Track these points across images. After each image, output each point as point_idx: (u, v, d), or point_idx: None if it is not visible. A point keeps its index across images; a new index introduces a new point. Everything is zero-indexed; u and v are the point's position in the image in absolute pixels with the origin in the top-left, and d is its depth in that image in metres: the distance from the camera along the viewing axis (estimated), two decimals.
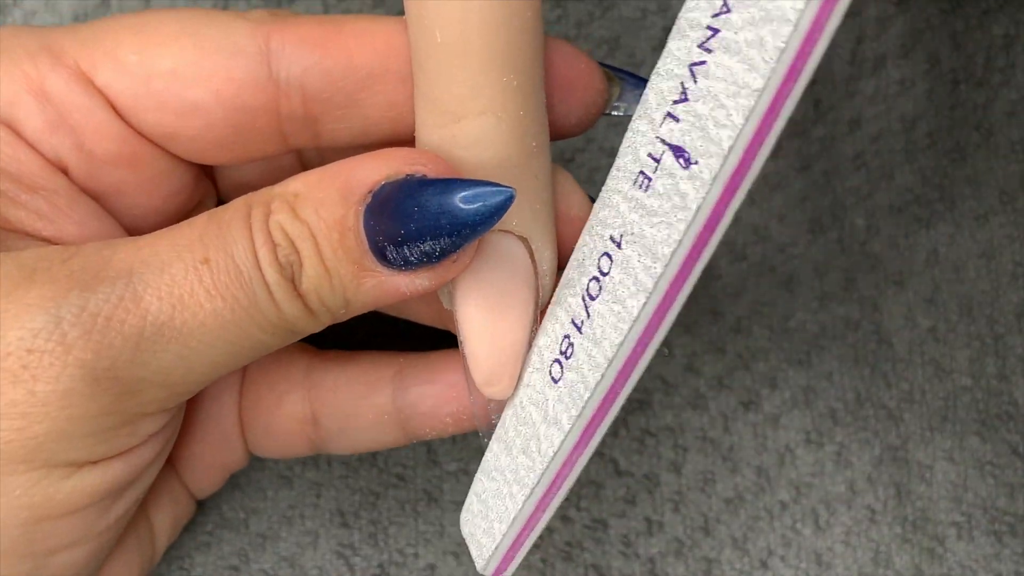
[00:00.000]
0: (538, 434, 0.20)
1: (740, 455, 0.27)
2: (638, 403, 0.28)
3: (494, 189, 0.18)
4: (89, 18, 0.27)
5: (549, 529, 0.27)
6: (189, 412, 0.24)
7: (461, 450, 0.27)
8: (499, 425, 0.22)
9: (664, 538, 0.27)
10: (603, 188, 0.20)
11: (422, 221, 0.18)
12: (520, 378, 0.21)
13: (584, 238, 0.20)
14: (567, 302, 0.20)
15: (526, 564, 0.27)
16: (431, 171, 0.19)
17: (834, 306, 0.28)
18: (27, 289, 0.18)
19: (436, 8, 0.18)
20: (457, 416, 0.23)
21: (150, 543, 0.24)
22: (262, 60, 0.20)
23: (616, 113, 0.22)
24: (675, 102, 0.18)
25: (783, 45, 0.16)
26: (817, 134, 0.28)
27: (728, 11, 0.17)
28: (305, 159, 0.23)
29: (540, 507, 0.20)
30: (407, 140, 0.21)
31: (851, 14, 0.28)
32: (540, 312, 0.21)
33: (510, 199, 0.18)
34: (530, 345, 0.21)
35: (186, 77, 0.20)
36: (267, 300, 0.19)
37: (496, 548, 0.21)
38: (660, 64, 0.19)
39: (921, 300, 0.28)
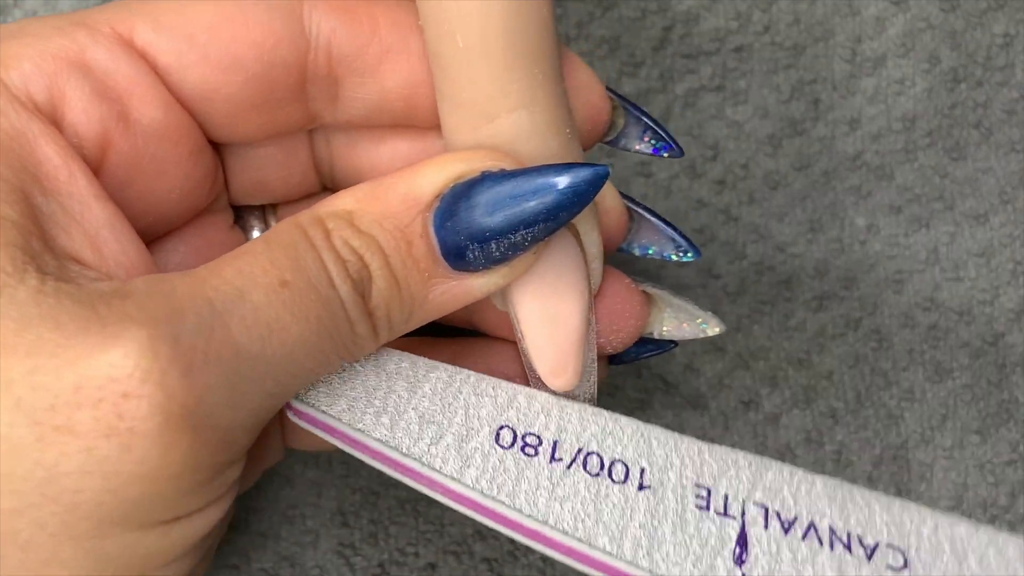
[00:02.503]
0: (443, 434, 0.20)
1: None
2: (638, 403, 0.28)
3: (587, 169, 0.18)
4: None
5: None
6: None
7: None
8: (419, 365, 0.21)
9: None
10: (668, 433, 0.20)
11: (515, 212, 0.18)
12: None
13: (645, 437, 0.20)
14: (572, 434, 0.20)
15: (526, 564, 0.27)
16: (508, 166, 0.19)
17: (834, 306, 0.28)
18: (101, 325, 0.16)
19: (455, 13, 0.18)
20: None
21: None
22: (297, 15, 0.20)
23: (620, 146, 0.22)
24: (783, 519, 0.19)
25: None
26: (817, 134, 0.28)
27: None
28: (316, 153, 0.23)
29: (387, 460, 0.19)
30: (419, 120, 0.21)
31: (851, 14, 0.28)
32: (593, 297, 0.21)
33: (605, 175, 0.18)
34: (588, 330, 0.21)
35: (227, 32, 0.19)
36: (343, 318, 0.18)
37: (325, 412, 0.20)
38: (819, 480, 0.20)
39: (921, 300, 0.28)
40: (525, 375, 0.22)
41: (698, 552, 0.18)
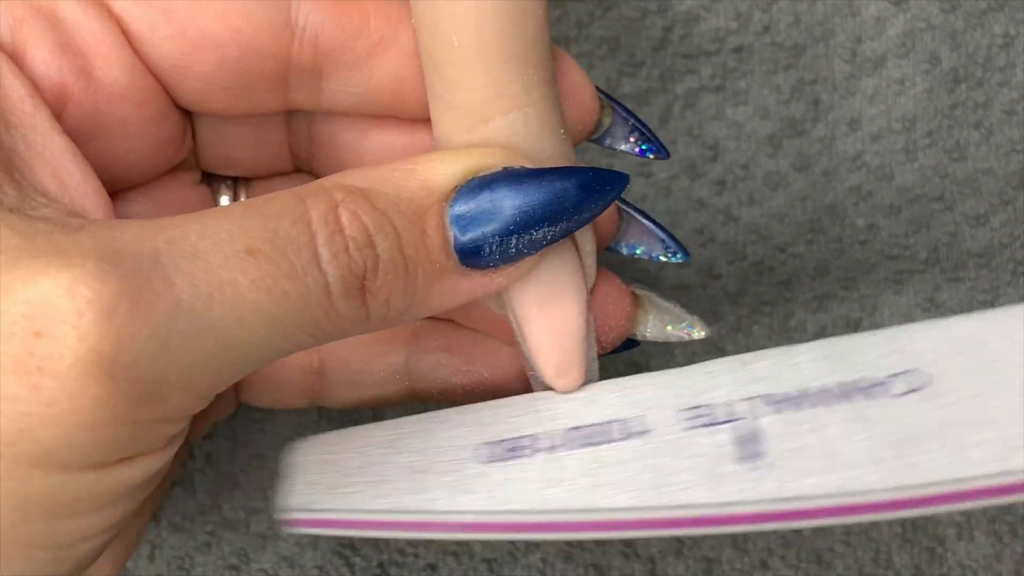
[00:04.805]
0: (432, 484, 0.19)
1: None
2: None
3: (609, 173, 0.18)
4: None
5: None
6: None
7: None
8: (399, 422, 0.21)
9: (664, 538, 0.27)
10: (653, 374, 0.20)
11: (540, 208, 0.18)
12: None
13: (602, 390, 0.20)
14: (546, 416, 0.20)
15: (526, 564, 0.27)
16: (528, 165, 0.18)
17: (834, 306, 0.28)
18: (31, 257, 0.15)
19: (450, 13, 0.18)
20: (468, 387, 0.23)
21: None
22: (283, 5, 0.19)
23: (605, 144, 0.23)
24: (770, 400, 0.18)
25: (906, 483, 0.17)
26: (817, 134, 0.28)
27: (877, 397, 0.18)
28: (293, 137, 0.23)
29: (396, 526, 0.19)
30: (405, 113, 0.21)
31: (851, 14, 0.28)
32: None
33: (626, 181, 0.18)
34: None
35: (206, 11, 0.19)
36: (321, 296, 0.17)
37: (320, 509, 0.20)
38: (781, 356, 0.19)
39: (921, 300, 0.28)
40: (516, 373, 0.22)
41: (706, 467, 0.18)
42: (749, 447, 0.18)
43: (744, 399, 0.19)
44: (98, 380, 0.15)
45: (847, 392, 0.18)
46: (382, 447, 0.20)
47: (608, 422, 0.19)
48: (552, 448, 0.19)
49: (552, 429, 0.20)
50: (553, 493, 0.18)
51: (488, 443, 0.20)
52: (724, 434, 0.18)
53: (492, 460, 0.19)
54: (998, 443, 0.16)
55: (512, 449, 0.19)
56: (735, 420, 0.18)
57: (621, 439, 0.19)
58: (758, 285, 0.28)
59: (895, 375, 0.18)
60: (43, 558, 0.17)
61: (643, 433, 0.19)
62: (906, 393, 0.17)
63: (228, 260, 0.16)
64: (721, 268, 0.28)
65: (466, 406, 0.21)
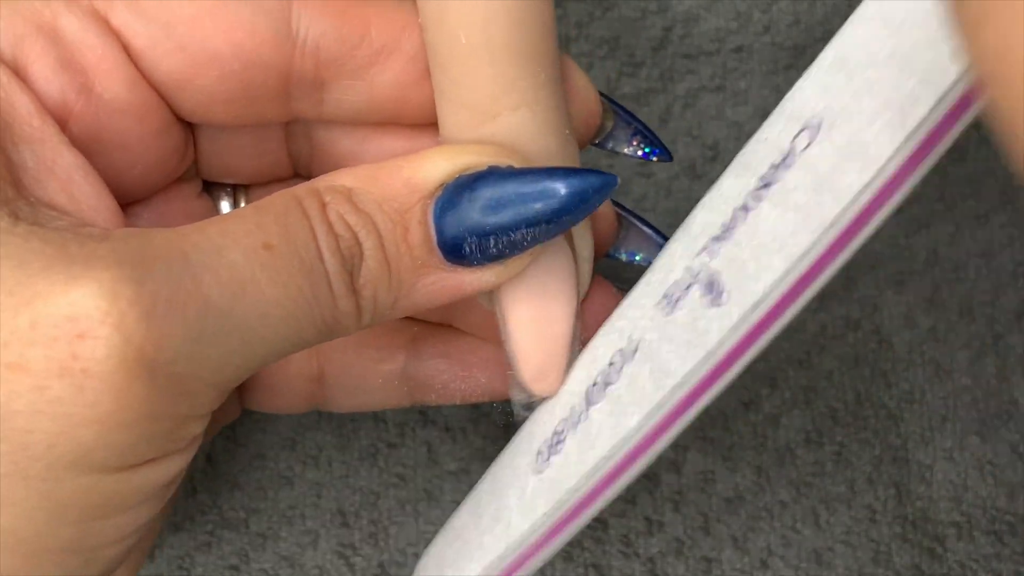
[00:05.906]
0: (510, 517, 0.19)
1: (740, 454, 0.27)
2: None
3: (596, 175, 0.18)
4: None
5: None
6: None
7: (462, 450, 0.27)
8: (474, 491, 0.21)
9: (664, 538, 0.27)
10: (627, 296, 0.20)
11: (518, 210, 0.18)
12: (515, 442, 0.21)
13: (598, 340, 0.20)
14: (567, 396, 0.20)
15: None
16: (516, 164, 0.18)
17: (834, 306, 0.28)
18: (66, 264, 0.16)
19: (458, 11, 0.18)
20: (466, 392, 0.23)
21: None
22: (284, 17, 0.19)
23: (607, 148, 0.22)
24: (715, 238, 0.18)
25: (834, 217, 0.16)
26: None
27: (788, 167, 0.17)
28: (292, 144, 0.23)
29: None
30: (407, 119, 0.21)
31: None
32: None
33: (613, 184, 0.18)
34: (574, 335, 0.21)
35: (207, 25, 0.19)
36: (326, 292, 0.18)
37: None
38: (708, 196, 0.19)
39: (921, 300, 0.28)
40: (493, 372, 0.22)
41: (685, 336, 0.18)
42: (713, 292, 0.18)
43: (694, 256, 0.18)
44: (140, 379, 0.16)
45: (767, 182, 0.17)
46: (468, 519, 0.21)
47: (611, 362, 0.19)
48: (580, 418, 0.19)
49: (575, 402, 0.20)
50: (590, 453, 0.18)
51: (538, 453, 0.20)
52: (690, 297, 0.18)
53: (543, 464, 0.19)
54: (892, 118, 0.16)
55: (554, 444, 0.19)
56: (695, 280, 0.18)
57: (623, 367, 0.19)
58: None
59: (794, 138, 0.17)
60: (73, 563, 0.17)
61: (637, 348, 0.19)
62: (808, 146, 0.17)
63: (248, 256, 0.17)
64: None
65: (517, 432, 0.21)
